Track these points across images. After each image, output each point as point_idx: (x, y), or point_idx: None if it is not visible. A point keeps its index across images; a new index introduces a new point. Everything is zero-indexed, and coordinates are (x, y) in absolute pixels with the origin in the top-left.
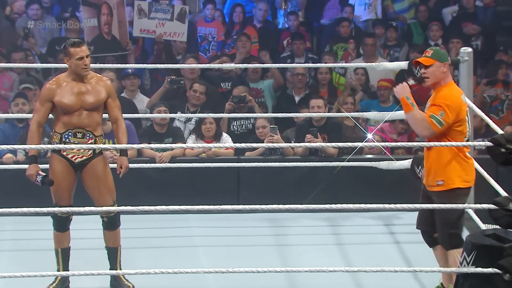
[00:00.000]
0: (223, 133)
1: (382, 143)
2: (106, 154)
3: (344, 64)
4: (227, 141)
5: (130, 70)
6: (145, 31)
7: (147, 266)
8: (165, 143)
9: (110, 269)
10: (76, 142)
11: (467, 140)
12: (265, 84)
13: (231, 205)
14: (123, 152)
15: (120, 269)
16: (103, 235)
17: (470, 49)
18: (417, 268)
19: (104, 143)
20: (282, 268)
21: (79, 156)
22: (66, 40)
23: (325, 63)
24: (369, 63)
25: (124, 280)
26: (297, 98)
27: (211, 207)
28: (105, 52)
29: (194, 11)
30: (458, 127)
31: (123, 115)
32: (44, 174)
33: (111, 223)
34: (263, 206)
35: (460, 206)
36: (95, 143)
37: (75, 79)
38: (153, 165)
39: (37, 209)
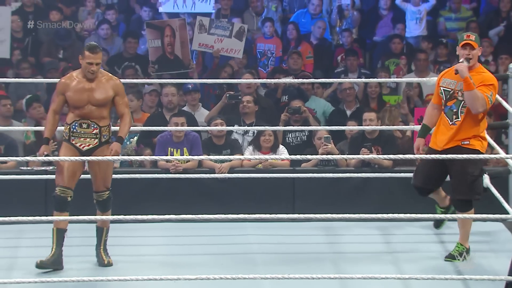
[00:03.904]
0: (280, 145)
1: (432, 155)
2: (167, 164)
3: (396, 79)
4: (283, 152)
5: (190, 86)
6: (203, 45)
7: (206, 272)
8: (223, 155)
9: (96, 246)
10: (82, 132)
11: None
12: (317, 103)
13: (287, 214)
14: (119, 139)
15: (105, 248)
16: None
17: None
18: (467, 276)
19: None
20: (336, 275)
21: (86, 145)
22: (123, 57)
23: (379, 78)
24: (420, 78)
25: (103, 256)
26: (348, 112)
27: (268, 215)
28: (168, 71)
29: (252, 28)
30: None
31: (188, 127)
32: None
33: (102, 205)
34: (317, 215)
35: (507, 216)
36: (100, 132)
37: (85, 77)
38: (212, 175)
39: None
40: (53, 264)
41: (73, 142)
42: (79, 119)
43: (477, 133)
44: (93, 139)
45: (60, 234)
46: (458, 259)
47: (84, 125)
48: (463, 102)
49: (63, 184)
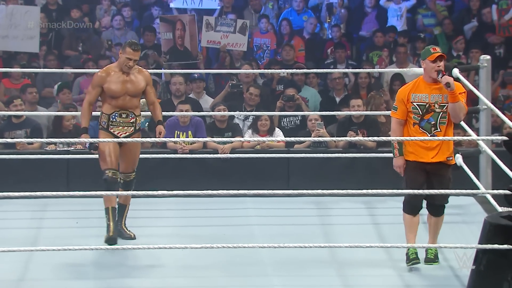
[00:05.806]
0: (276, 128)
1: (411, 138)
2: (175, 145)
3: (379, 70)
4: (279, 135)
5: (196, 75)
6: (211, 42)
7: (210, 242)
8: (226, 137)
9: (116, 221)
10: (121, 121)
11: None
12: (309, 92)
13: (282, 190)
14: (160, 123)
15: (125, 223)
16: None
17: (488, 57)
18: (442, 244)
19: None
20: (325, 244)
21: (124, 133)
22: (145, 46)
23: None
24: (401, 69)
25: (126, 230)
26: (337, 99)
27: (265, 191)
28: (178, 61)
29: (251, 24)
30: None
31: (192, 112)
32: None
33: (127, 185)
34: (310, 191)
35: (478, 191)
36: (135, 121)
37: (121, 70)
38: (216, 155)
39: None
40: (117, 235)
41: (111, 130)
42: (118, 109)
43: (452, 144)
44: (129, 127)
45: (113, 211)
46: (437, 261)
47: (124, 115)
48: (441, 113)
49: (111, 166)
